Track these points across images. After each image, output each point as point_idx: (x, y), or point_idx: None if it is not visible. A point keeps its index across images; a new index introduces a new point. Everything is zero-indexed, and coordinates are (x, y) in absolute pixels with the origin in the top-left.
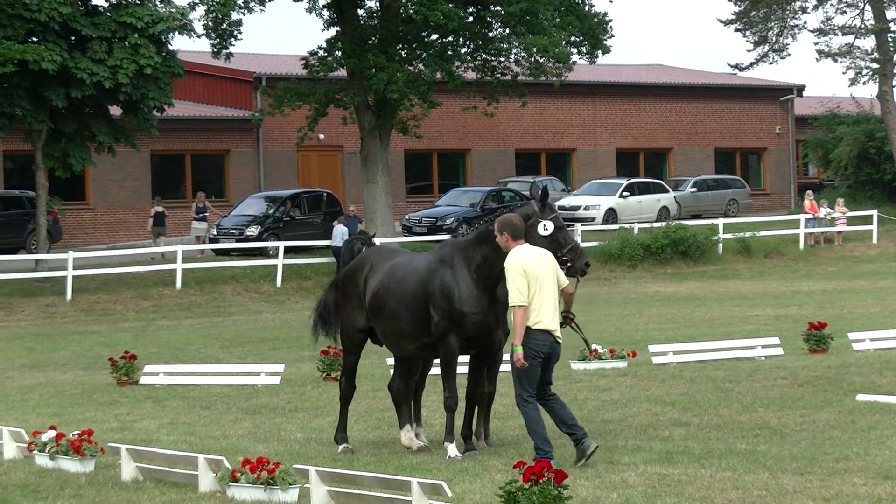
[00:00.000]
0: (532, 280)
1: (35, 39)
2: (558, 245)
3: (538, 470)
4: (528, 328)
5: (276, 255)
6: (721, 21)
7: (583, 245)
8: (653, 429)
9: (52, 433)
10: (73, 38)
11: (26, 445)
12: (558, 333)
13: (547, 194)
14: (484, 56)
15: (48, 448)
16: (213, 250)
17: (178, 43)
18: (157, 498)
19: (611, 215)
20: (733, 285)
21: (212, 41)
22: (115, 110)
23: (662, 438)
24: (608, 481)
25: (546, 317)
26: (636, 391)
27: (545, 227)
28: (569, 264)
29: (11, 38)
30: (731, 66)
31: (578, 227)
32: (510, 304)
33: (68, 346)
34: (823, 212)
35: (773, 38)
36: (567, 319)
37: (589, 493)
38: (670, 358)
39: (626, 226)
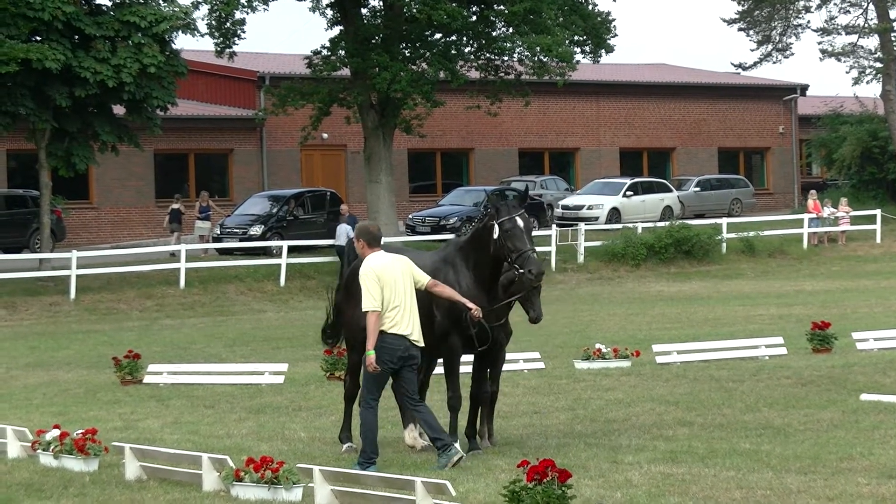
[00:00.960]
0: (386, 286)
1: (38, 38)
2: (508, 251)
3: (542, 469)
4: (382, 332)
5: (279, 255)
6: (724, 20)
7: (586, 244)
8: (656, 428)
9: (56, 432)
10: (76, 37)
11: (30, 444)
12: (415, 338)
13: (504, 197)
14: (487, 55)
15: (52, 447)
16: (217, 250)
17: (182, 42)
18: (161, 497)
19: (614, 215)
20: (737, 285)
21: (215, 40)
22: (119, 109)
23: (666, 438)
24: (612, 481)
25: (401, 321)
26: (640, 391)
27: (495, 231)
28: (520, 271)
29: (15, 38)
30: (735, 66)
31: (582, 226)
32: (363, 310)
33: (72, 346)
34: (827, 211)
35: (777, 38)
36: (472, 319)
37: (593, 492)
38: (674, 357)
39: (630, 225)
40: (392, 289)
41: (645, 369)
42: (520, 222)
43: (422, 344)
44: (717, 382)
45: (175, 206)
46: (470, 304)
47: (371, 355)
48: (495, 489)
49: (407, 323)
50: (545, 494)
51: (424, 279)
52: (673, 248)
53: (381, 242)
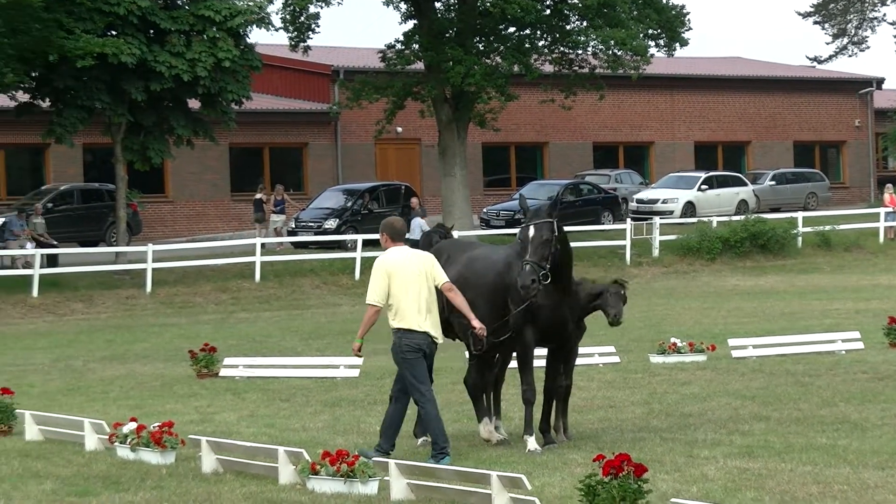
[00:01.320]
0: (395, 282)
1: (114, 33)
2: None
3: (618, 463)
4: (396, 328)
5: (354, 248)
6: (799, 13)
7: (661, 238)
8: (732, 423)
9: (133, 425)
10: (151, 31)
11: (108, 437)
12: (437, 334)
13: (525, 207)
14: (561, 49)
15: (129, 440)
16: (292, 243)
17: (256, 36)
18: (238, 490)
19: (689, 209)
20: (813, 279)
21: (290, 34)
22: (194, 103)
23: (742, 433)
24: (688, 475)
25: (409, 317)
26: (715, 385)
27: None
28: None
29: (91, 32)
30: (810, 59)
31: (656, 220)
32: (366, 302)
33: (148, 339)
34: None
35: (852, 31)
36: (475, 335)
37: (669, 486)
38: (750, 352)
39: (705, 219)
40: (402, 285)
41: (720, 364)
42: (529, 232)
43: (440, 340)
44: (794, 377)
45: (258, 196)
46: (475, 323)
47: (357, 343)
48: (571, 483)
49: (416, 319)
50: (621, 489)
51: (441, 280)
52: (748, 242)
53: (405, 237)
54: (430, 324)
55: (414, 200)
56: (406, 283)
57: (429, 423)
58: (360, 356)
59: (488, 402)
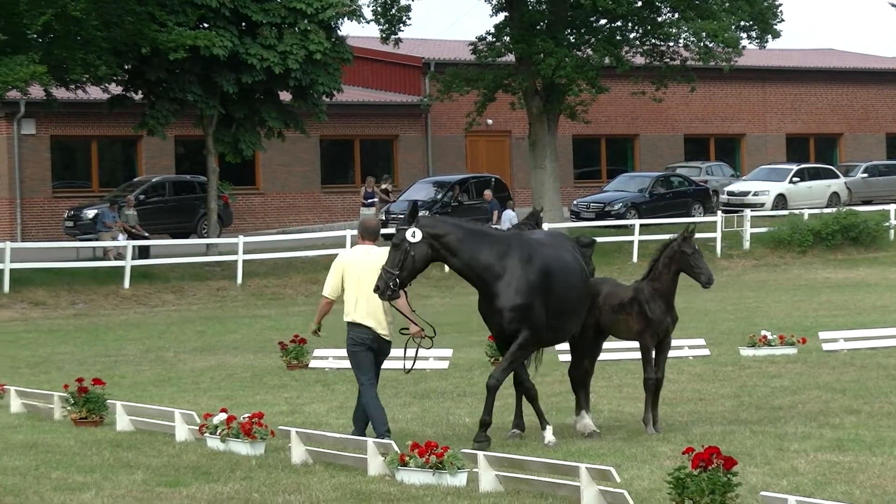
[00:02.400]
0: (348, 278)
1: (206, 25)
2: None
3: (707, 456)
4: (348, 322)
5: None
6: (893, 4)
7: (751, 230)
8: (823, 416)
9: (224, 416)
10: (243, 23)
11: (198, 428)
12: (380, 330)
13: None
14: (653, 41)
15: (219, 431)
16: (383, 235)
17: (347, 28)
18: (327, 481)
19: (780, 201)
20: None
21: (381, 27)
22: (285, 96)
23: (833, 426)
24: (778, 468)
25: (360, 312)
26: (806, 378)
27: (413, 235)
28: None
29: (183, 25)
30: None
31: (747, 212)
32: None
33: (239, 330)
34: None
35: None
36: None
37: (758, 479)
38: (841, 345)
39: (796, 212)
40: (354, 281)
41: (811, 356)
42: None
43: (387, 337)
44: (885, 370)
45: (367, 188)
46: (414, 328)
47: (313, 327)
48: (660, 476)
49: (360, 314)
50: (710, 482)
51: None
52: (840, 235)
53: (377, 236)
54: (372, 317)
55: (487, 193)
56: (356, 280)
57: (369, 410)
58: (318, 336)
59: (585, 394)
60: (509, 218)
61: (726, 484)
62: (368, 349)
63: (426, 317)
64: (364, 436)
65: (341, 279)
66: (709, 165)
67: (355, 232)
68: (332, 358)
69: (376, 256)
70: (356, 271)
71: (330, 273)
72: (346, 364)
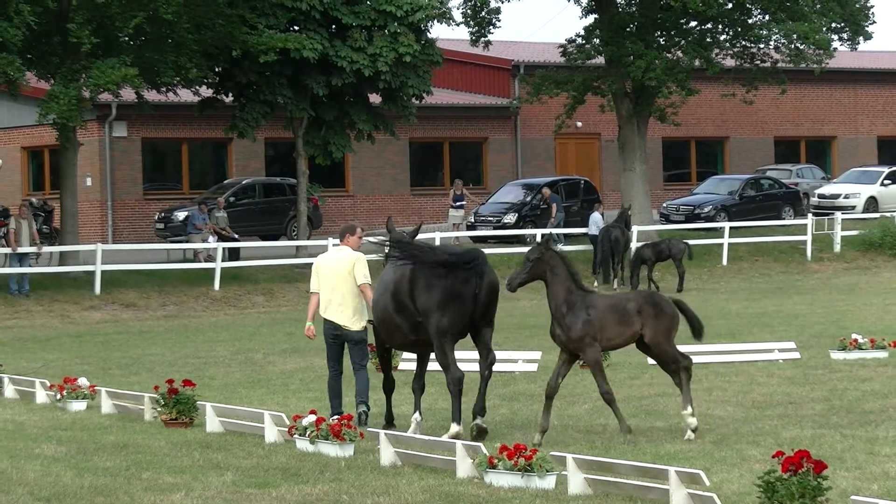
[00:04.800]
0: (321, 278)
1: (296, 28)
2: None
3: (797, 460)
4: (321, 316)
5: (533, 243)
6: None
7: (842, 233)
8: None
9: (313, 418)
10: (333, 26)
11: (287, 430)
12: (343, 322)
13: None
14: (743, 43)
15: (308, 432)
16: (471, 237)
17: (437, 31)
18: (416, 483)
19: (871, 204)
20: None
21: (470, 29)
22: (375, 98)
23: None
24: (868, 472)
25: (327, 308)
26: None
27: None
28: None
29: (274, 27)
30: None
31: (838, 215)
32: None
33: None
34: None
35: None
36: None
37: (849, 483)
38: None
39: (888, 214)
40: (325, 280)
41: None
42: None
43: (353, 328)
44: None
45: (457, 191)
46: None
47: (307, 326)
48: (749, 479)
49: (333, 310)
50: (800, 486)
51: (360, 280)
52: None
53: (353, 236)
54: (340, 314)
55: (546, 190)
56: (326, 279)
57: (331, 394)
58: (311, 337)
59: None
60: (596, 220)
61: (816, 488)
62: (336, 340)
63: (515, 319)
64: (338, 410)
65: (318, 278)
66: (799, 168)
67: (445, 234)
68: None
69: (345, 259)
70: (326, 273)
71: (312, 273)
72: (436, 367)
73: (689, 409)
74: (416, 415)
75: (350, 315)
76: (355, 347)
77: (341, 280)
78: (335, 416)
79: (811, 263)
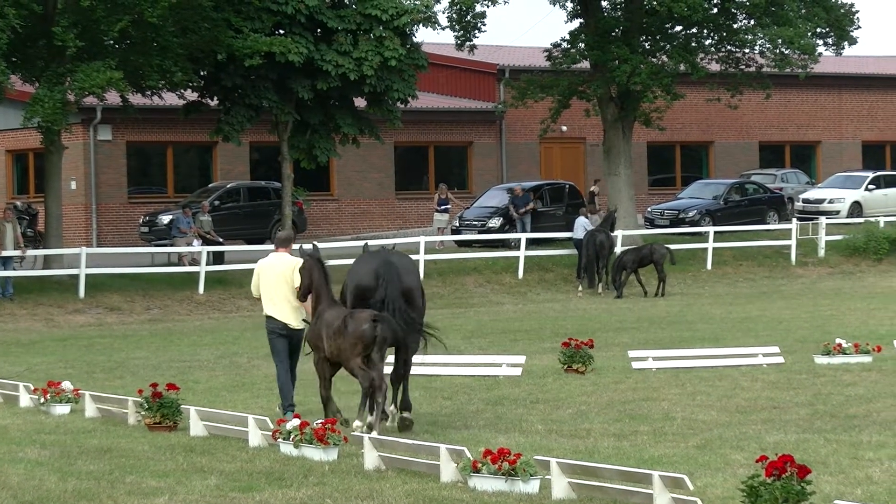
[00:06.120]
0: (263, 280)
1: (282, 32)
2: None
3: (781, 465)
4: (265, 315)
5: (518, 247)
6: None
7: (827, 238)
8: None
9: (297, 422)
10: (318, 30)
11: (271, 434)
12: (287, 321)
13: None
14: (728, 47)
15: (292, 436)
16: (456, 242)
17: (423, 35)
18: (400, 487)
19: (856, 208)
20: None
21: (456, 33)
22: (360, 102)
23: None
24: (852, 477)
25: (272, 308)
26: (881, 386)
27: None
28: None
29: (259, 31)
30: None
31: (823, 220)
32: None
33: None
34: None
35: None
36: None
37: (832, 488)
38: None
39: (872, 219)
40: (266, 282)
41: (886, 365)
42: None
43: (295, 326)
44: None
45: (441, 195)
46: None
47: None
48: (733, 484)
49: (270, 307)
50: (784, 490)
51: (296, 283)
52: None
53: (290, 245)
54: (280, 312)
55: (517, 189)
56: (267, 281)
57: (280, 386)
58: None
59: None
60: (583, 224)
61: (800, 493)
62: (280, 336)
63: (500, 323)
64: (293, 407)
65: (258, 281)
66: (784, 173)
67: (429, 238)
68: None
69: (286, 263)
70: (268, 275)
71: (253, 276)
72: (420, 370)
73: (360, 422)
74: (392, 407)
75: (290, 312)
76: (295, 347)
77: (283, 282)
78: (288, 410)
79: (795, 268)
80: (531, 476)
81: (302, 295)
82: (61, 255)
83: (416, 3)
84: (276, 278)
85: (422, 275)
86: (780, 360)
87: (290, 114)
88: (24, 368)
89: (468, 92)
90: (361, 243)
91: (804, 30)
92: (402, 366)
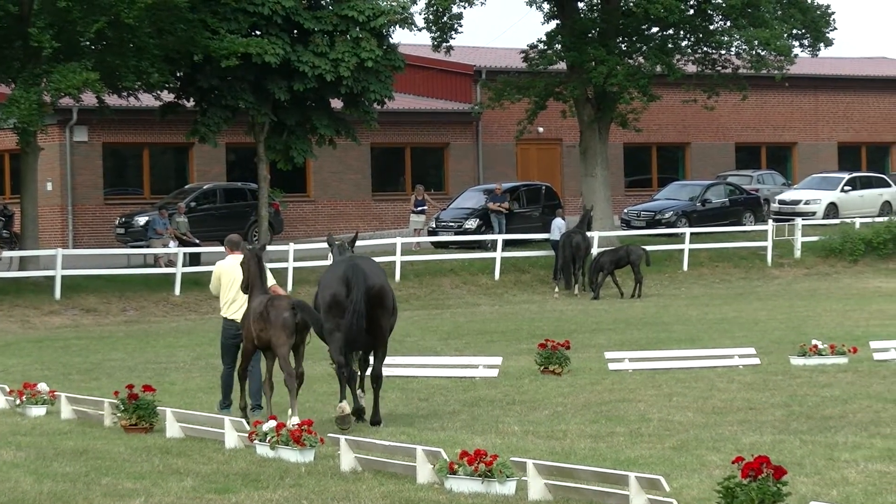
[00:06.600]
0: (225, 281)
1: (258, 33)
2: None
3: (757, 466)
4: (223, 317)
5: (494, 248)
6: None
7: (803, 239)
8: (874, 426)
9: (273, 423)
10: (295, 31)
11: (248, 435)
12: (239, 321)
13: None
14: (704, 49)
15: (269, 438)
16: (433, 243)
17: (399, 36)
18: (376, 489)
19: (832, 210)
20: None
21: (432, 34)
22: (336, 103)
23: (884, 436)
24: (828, 478)
25: (229, 310)
26: (857, 387)
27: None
28: None
29: (235, 32)
30: None
31: (799, 221)
32: None
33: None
34: None
35: None
36: None
37: (808, 489)
38: (892, 354)
39: (848, 220)
40: (230, 285)
41: (862, 366)
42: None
43: None
44: None
45: (418, 197)
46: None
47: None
48: (709, 485)
49: (227, 309)
50: (760, 491)
51: (270, 282)
52: (891, 244)
53: (240, 247)
54: (239, 314)
55: (497, 188)
56: (227, 284)
57: (224, 383)
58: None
59: None
60: (559, 226)
61: (776, 494)
62: (234, 338)
63: (476, 324)
64: (230, 405)
65: (219, 281)
66: (760, 174)
67: (406, 240)
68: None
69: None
70: (230, 277)
71: (212, 276)
72: (396, 372)
73: (291, 413)
74: (344, 403)
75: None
76: (234, 344)
77: (240, 284)
78: (224, 408)
79: (771, 269)
80: (507, 477)
81: (244, 287)
82: (37, 256)
83: (393, 4)
84: (234, 281)
85: (398, 276)
86: (756, 361)
87: (266, 115)
88: None
89: (444, 93)
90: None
91: (780, 31)
92: (364, 366)
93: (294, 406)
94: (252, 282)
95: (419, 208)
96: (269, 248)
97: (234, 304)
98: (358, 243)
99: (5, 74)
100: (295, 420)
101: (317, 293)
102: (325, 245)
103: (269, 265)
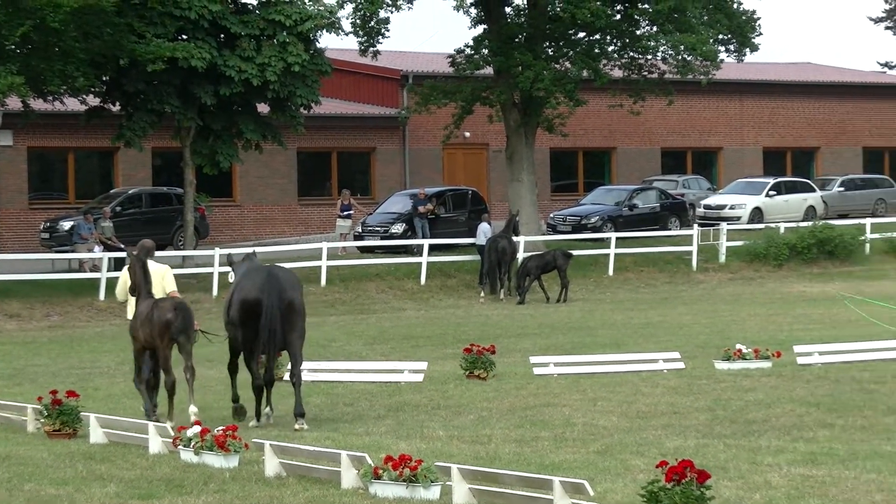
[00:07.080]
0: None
1: (185, 37)
2: None
3: (681, 470)
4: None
5: (420, 253)
6: (871, 19)
7: (728, 244)
8: (797, 430)
9: (197, 429)
10: (222, 35)
11: (172, 441)
12: None
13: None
14: (631, 54)
15: (193, 443)
16: (358, 248)
17: (326, 41)
18: (300, 494)
19: (757, 214)
20: (880, 286)
21: (359, 39)
22: (263, 108)
23: (807, 440)
24: (751, 482)
25: (132, 310)
26: (780, 392)
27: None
28: None
29: (162, 36)
30: (881, 65)
31: (724, 226)
32: None
33: (217, 343)
34: None
35: None
36: None
37: (732, 493)
38: (815, 359)
39: (772, 225)
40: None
41: (786, 370)
42: None
43: None
44: (859, 384)
45: (344, 201)
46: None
47: None
48: (633, 489)
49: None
50: (684, 495)
51: (170, 288)
52: (816, 249)
53: (153, 254)
54: None
55: (421, 192)
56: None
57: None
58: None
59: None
60: (484, 231)
61: (700, 498)
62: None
63: (402, 329)
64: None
65: (125, 286)
66: (686, 179)
67: (332, 244)
68: (306, 370)
69: (156, 270)
70: None
71: (119, 282)
72: (321, 377)
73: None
74: (269, 409)
75: None
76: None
77: (156, 286)
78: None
79: (696, 274)
80: (432, 482)
81: (131, 290)
82: None
83: (320, 8)
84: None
85: (324, 281)
86: (681, 365)
87: (192, 119)
88: None
89: (371, 98)
90: (264, 249)
91: (706, 36)
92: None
93: (192, 398)
94: (139, 286)
95: (345, 213)
96: (193, 252)
97: (134, 307)
98: (283, 248)
99: None
100: (194, 409)
101: (230, 296)
102: (251, 249)
103: (194, 270)
